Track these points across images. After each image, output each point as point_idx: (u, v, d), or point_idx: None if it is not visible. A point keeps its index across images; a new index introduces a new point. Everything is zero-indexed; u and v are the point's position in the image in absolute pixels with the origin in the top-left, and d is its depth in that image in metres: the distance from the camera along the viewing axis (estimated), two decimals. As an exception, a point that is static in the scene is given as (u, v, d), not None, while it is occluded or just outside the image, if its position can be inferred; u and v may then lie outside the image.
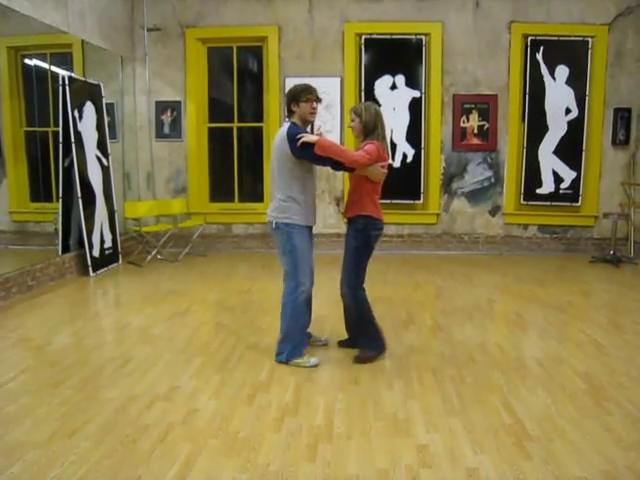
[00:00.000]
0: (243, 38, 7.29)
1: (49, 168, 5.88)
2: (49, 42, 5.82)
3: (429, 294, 5.34)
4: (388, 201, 6.42)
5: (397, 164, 7.13)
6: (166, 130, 7.44)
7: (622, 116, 7.01)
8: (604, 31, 6.90)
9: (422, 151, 7.18)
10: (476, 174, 7.27)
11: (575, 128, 7.06)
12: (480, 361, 3.50)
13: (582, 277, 6.00)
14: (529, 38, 6.97)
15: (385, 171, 3.35)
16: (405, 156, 7.19)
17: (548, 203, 7.21)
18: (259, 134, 7.54)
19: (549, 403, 2.89)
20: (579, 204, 7.19)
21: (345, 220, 3.55)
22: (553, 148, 7.11)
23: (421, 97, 7.11)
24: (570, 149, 7.08)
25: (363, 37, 7.08)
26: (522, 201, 7.26)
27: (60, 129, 5.61)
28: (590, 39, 6.92)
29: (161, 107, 7.39)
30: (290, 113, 3.37)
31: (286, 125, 3.33)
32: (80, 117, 5.83)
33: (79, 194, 5.74)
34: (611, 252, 6.69)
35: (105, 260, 6.21)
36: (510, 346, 3.79)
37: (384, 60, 7.11)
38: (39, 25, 5.28)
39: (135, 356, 3.56)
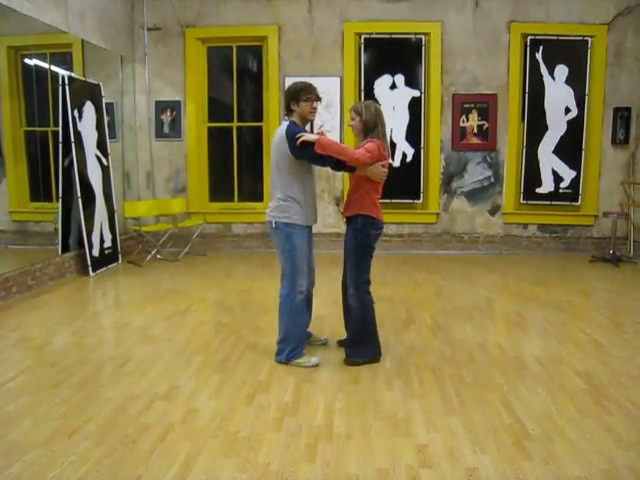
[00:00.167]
0: (243, 38, 7.29)
1: (49, 168, 5.88)
2: (49, 42, 5.81)
3: (429, 294, 5.34)
4: (388, 200, 6.42)
5: (397, 164, 7.13)
6: (166, 130, 7.44)
7: (622, 115, 7.01)
8: (604, 31, 6.90)
9: (422, 151, 7.18)
10: (476, 173, 7.27)
11: (575, 127, 7.06)
12: (480, 361, 3.50)
13: (582, 276, 6.00)
14: (529, 38, 6.97)
15: (386, 170, 3.30)
16: (405, 156, 7.19)
17: (548, 202, 7.21)
18: (259, 134, 7.53)
19: (549, 403, 2.89)
20: (579, 203, 7.19)
21: (344, 220, 3.52)
22: (553, 147, 7.11)
23: (421, 97, 7.11)
24: (570, 148, 7.08)
25: (363, 37, 7.07)
26: (522, 200, 7.26)
27: (60, 129, 5.61)
28: (590, 39, 6.92)
29: (161, 107, 7.39)
30: (289, 112, 3.33)
31: (285, 124, 3.29)
32: (80, 117, 5.83)
33: (79, 194, 5.74)
34: (611, 251, 6.69)
35: (105, 260, 6.21)
36: (510, 345, 3.79)
37: (384, 60, 7.11)
38: (39, 25, 5.28)
39: (135, 356, 3.56)
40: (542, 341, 3.91)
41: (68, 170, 5.71)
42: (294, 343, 3.41)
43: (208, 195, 7.66)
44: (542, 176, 7.17)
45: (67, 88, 5.55)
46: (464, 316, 4.48)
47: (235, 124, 7.54)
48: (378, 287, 5.25)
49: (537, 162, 7.15)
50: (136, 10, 7.21)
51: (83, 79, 6.03)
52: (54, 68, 5.90)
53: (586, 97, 7.01)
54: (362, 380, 3.19)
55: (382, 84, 7.12)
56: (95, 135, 6.15)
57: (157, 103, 7.38)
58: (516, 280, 5.81)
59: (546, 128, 7.09)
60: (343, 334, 3.70)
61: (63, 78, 5.56)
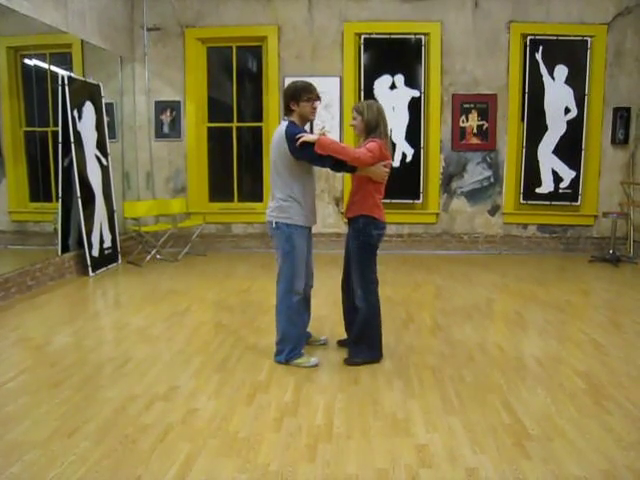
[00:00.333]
0: (243, 38, 7.29)
1: (48, 168, 5.87)
2: (49, 42, 5.81)
3: (429, 294, 5.34)
4: (388, 201, 6.28)
5: (397, 164, 7.13)
6: (165, 130, 7.44)
7: (621, 115, 7.01)
8: (603, 31, 6.91)
9: (421, 151, 7.19)
10: (475, 174, 7.27)
11: (574, 127, 7.06)
12: (480, 361, 3.50)
13: (581, 276, 6.01)
14: (528, 38, 6.97)
15: (388, 170, 3.27)
16: (404, 156, 7.19)
17: (547, 202, 7.21)
18: (258, 134, 7.53)
19: (549, 403, 2.89)
20: (578, 203, 7.19)
21: (345, 220, 3.49)
22: (552, 147, 7.11)
23: (420, 97, 7.11)
24: (569, 148, 7.09)
25: (362, 37, 7.07)
26: (521, 200, 7.27)
27: (59, 129, 5.61)
28: (589, 39, 6.92)
29: (160, 107, 7.39)
30: (289, 111, 3.29)
31: (284, 124, 3.25)
32: (79, 117, 5.83)
33: (78, 194, 5.74)
34: (610, 251, 6.70)
35: (104, 260, 6.20)
36: (510, 346, 3.79)
37: (383, 60, 7.11)
38: (39, 25, 5.27)
39: (134, 356, 3.56)
40: (542, 341, 3.91)
41: (68, 170, 5.71)
42: (292, 344, 3.39)
43: (208, 195, 7.66)
44: (542, 176, 7.17)
45: (67, 88, 5.55)
46: (464, 316, 4.48)
47: (235, 124, 7.55)
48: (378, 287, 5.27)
49: (537, 162, 7.16)
50: (136, 10, 7.21)
51: (83, 79, 6.03)
52: (54, 68, 5.89)
53: (586, 97, 7.01)
54: (362, 380, 3.19)
55: (382, 84, 7.12)
56: (95, 135, 6.15)
57: (157, 103, 7.38)
58: (516, 280, 5.81)
59: (546, 128, 7.09)
60: (343, 334, 3.70)
61: (63, 78, 5.56)
